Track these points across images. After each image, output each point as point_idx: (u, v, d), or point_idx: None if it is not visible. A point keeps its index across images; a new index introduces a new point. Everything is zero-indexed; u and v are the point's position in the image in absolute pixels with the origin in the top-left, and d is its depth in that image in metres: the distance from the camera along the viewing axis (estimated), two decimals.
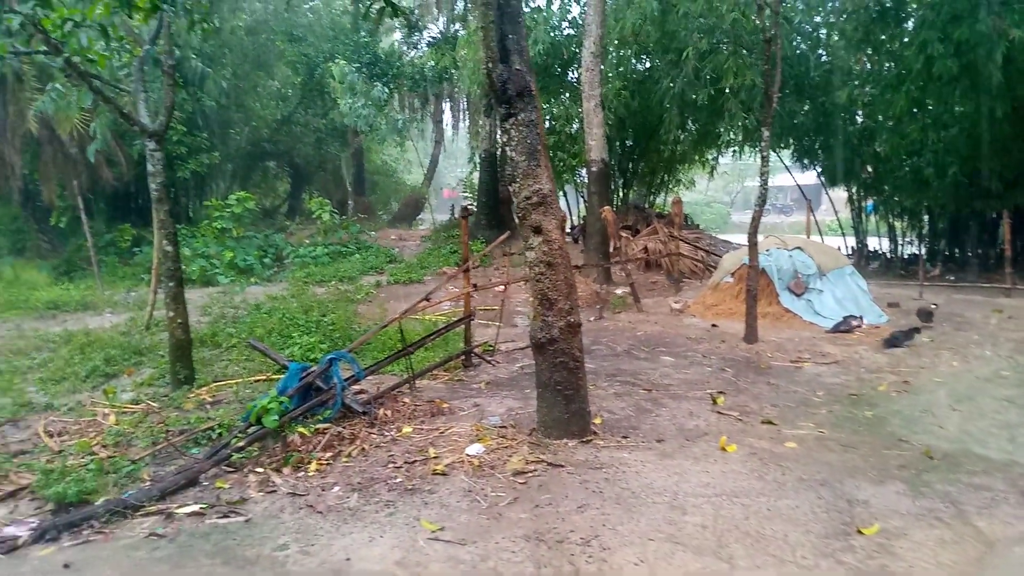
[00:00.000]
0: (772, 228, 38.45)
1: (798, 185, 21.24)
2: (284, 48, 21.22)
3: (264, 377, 7.96)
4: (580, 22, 17.27)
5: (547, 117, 17.80)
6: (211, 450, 5.57)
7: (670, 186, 22.55)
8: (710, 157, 21.31)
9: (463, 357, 8.17)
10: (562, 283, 5.63)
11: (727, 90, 14.53)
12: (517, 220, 5.75)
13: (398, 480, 5.03)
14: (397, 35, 25.93)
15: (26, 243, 18.86)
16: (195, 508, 4.69)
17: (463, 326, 8.25)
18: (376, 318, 11.31)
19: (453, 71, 19.83)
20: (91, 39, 6.24)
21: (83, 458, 5.50)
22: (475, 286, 8.14)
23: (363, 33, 20.38)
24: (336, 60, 17.44)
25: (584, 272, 14.15)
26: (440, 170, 37.32)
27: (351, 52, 19.24)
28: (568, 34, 17.64)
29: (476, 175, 25.42)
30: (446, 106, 29.62)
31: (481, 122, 19.93)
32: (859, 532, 4.21)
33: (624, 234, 16.11)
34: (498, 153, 19.81)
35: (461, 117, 28.98)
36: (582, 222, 20.42)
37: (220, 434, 5.91)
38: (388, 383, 7.36)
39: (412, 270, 17.21)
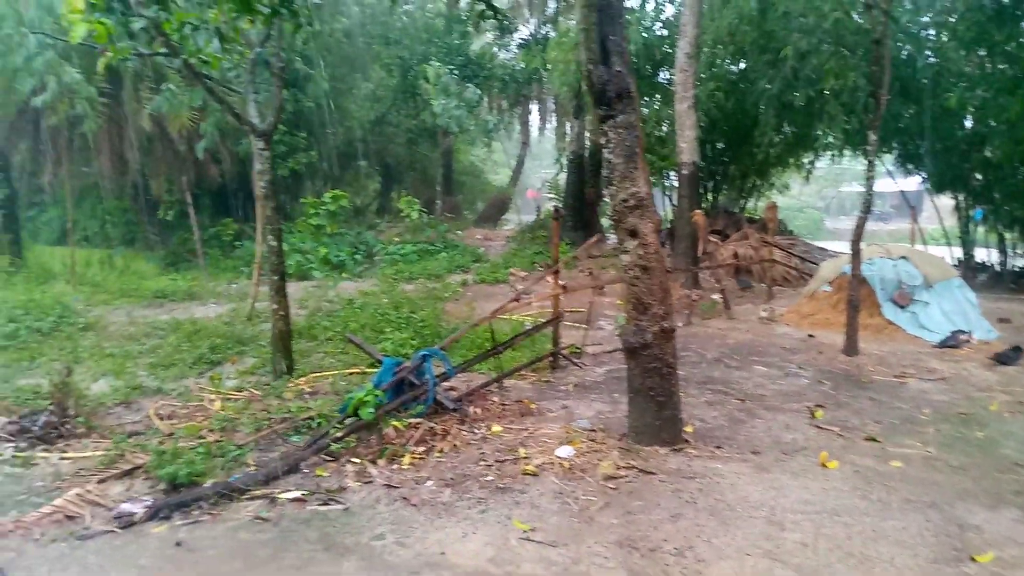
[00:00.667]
0: (871, 236, 36.68)
1: (902, 192, 20.25)
2: (380, 51, 21.77)
3: (358, 370, 8.19)
4: (674, 22, 17.00)
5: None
6: (311, 439, 5.78)
7: (762, 190, 21.90)
8: (806, 161, 20.58)
9: (550, 359, 8.17)
10: (657, 287, 5.56)
11: (827, 92, 13.99)
12: (612, 223, 5.71)
13: (489, 478, 5.08)
14: (488, 37, 26.19)
15: (136, 235, 20.04)
16: (297, 494, 4.87)
17: (551, 328, 8.24)
18: (463, 316, 11.45)
19: (543, 73, 19.86)
20: (207, 41, 6.57)
21: (193, 441, 5.80)
22: (564, 287, 8.13)
23: (456, 35, 20.70)
24: (431, 62, 17.75)
25: (671, 276, 13.91)
26: (525, 171, 37.49)
27: (444, 54, 19.56)
28: (660, 35, 17.39)
29: (562, 177, 25.44)
30: (533, 108, 29.78)
31: (569, 124, 19.87)
32: (972, 559, 3.99)
33: (713, 239, 15.75)
34: (585, 155, 19.71)
35: (548, 119, 29.05)
36: (669, 225, 20.11)
37: (320, 424, 6.11)
38: (476, 381, 7.44)
39: (496, 270, 17.33)
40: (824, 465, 5.38)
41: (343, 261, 18.95)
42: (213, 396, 7.31)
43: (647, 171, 5.67)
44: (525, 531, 4.31)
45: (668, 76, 18.58)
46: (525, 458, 5.38)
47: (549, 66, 19.12)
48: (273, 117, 7.67)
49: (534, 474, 5.11)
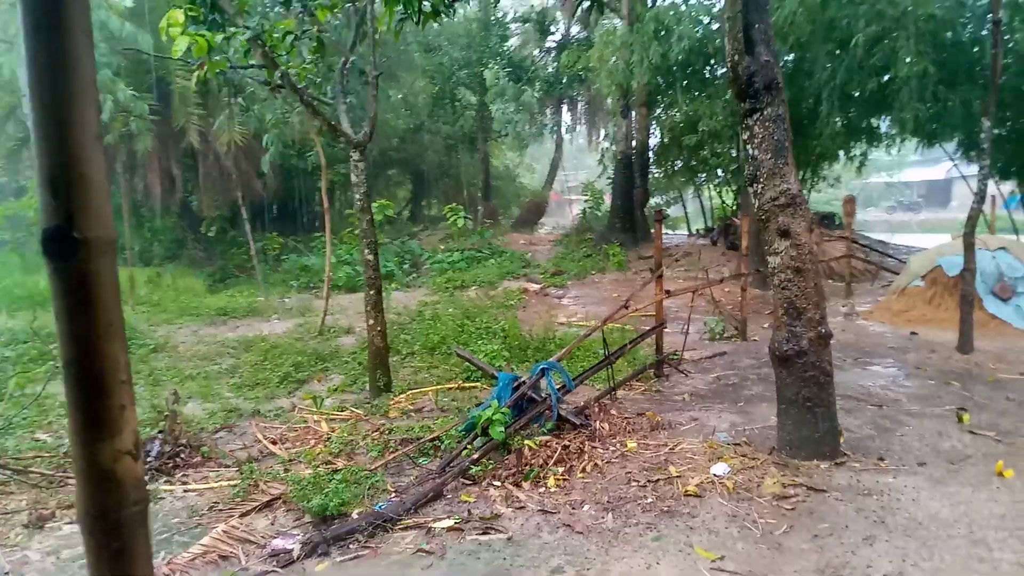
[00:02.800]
0: (899, 226, 36.16)
1: (963, 177, 19.68)
2: (419, 58, 21.55)
3: (456, 385, 7.91)
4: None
5: (688, 114, 17.24)
6: (444, 462, 5.49)
7: (813, 183, 21.43)
8: (858, 152, 20.08)
9: (654, 367, 7.85)
10: (812, 291, 5.22)
11: (897, 79, 13.53)
12: (759, 223, 5.38)
13: (649, 500, 4.77)
14: (516, 39, 25.94)
15: (182, 251, 19.95)
16: (451, 523, 4.58)
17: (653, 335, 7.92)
18: (537, 323, 11.16)
19: (582, 74, 19.54)
20: (311, 50, 6.34)
21: (319, 467, 5.53)
22: (668, 292, 7.81)
23: (495, 39, 20.47)
24: (489, 65, 17.49)
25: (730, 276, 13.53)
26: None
27: (487, 58, 19.33)
28: (714, 28, 16.99)
29: (596, 179, 25.10)
30: (565, 108, 29.47)
31: (617, 124, 19.54)
32: None
33: None
34: (633, 156, 19.37)
35: (585, 120, 28.71)
36: (721, 223, 19.72)
37: (446, 445, 5.82)
38: (584, 393, 7.13)
39: (548, 275, 17.03)
40: (1000, 474, 5.01)
41: (391, 271, 18.75)
42: (316, 417, 7.05)
43: (795, 167, 5.34)
44: (713, 560, 3.99)
45: (721, 71, 18.22)
46: (679, 477, 5.06)
47: (594, 66, 18.78)
48: (368, 127, 7.42)
49: (697, 495, 4.78)
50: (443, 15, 6.00)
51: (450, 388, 7.84)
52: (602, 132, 31.20)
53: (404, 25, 6.47)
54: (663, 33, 16.82)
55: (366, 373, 8.61)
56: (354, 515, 4.71)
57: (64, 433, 6.53)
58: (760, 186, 5.25)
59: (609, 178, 23.63)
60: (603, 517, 4.58)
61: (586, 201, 24.96)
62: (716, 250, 18.66)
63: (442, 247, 20.49)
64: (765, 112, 5.15)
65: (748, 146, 5.34)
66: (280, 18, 6.92)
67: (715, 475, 5.04)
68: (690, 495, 4.78)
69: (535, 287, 15.77)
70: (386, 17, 6.03)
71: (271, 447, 6.25)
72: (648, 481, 5.04)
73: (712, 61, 18.29)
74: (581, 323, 10.98)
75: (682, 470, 5.16)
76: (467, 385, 7.86)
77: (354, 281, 17.36)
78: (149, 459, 5.82)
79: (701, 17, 16.72)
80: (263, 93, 9.99)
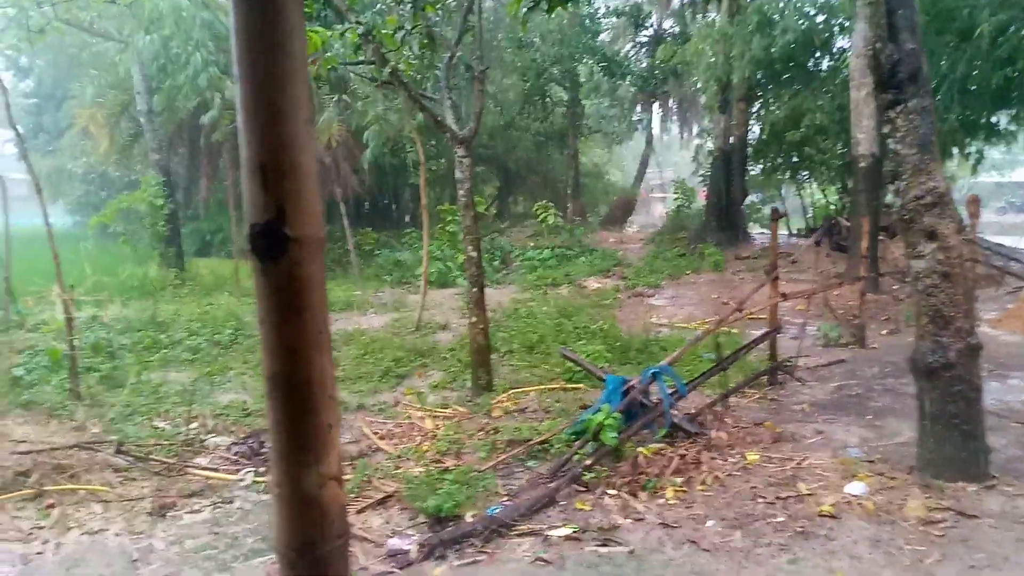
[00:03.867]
0: (1011, 228, 33.74)
1: None
2: (508, 54, 21.51)
3: (559, 386, 7.74)
4: (836, 6, 15.81)
5: (792, 108, 16.51)
6: (554, 466, 5.33)
7: None
8: (974, 149, 18.78)
9: (768, 374, 7.46)
10: (961, 298, 4.79)
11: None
12: (902, 224, 4.98)
13: (780, 519, 4.47)
14: (607, 34, 25.51)
15: None
16: (568, 531, 4.42)
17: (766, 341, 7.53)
18: (635, 324, 10.88)
19: (678, 68, 19.03)
20: (421, 43, 6.29)
21: (428, 465, 5.47)
22: (784, 296, 7.41)
23: (588, 35, 20.20)
24: (584, 60, 17.29)
25: (846, 279, 12.83)
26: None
27: (580, 53, 19.10)
28: (819, 20, 16.23)
29: (687, 176, 24.44)
30: (656, 104, 28.83)
31: (714, 119, 18.93)
32: None
33: (880, 236, 14.52)
34: (731, 152, 18.74)
35: (676, 116, 28.04)
36: (825, 223, 18.82)
37: (555, 448, 5.65)
38: (692, 400, 6.83)
39: (642, 274, 16.63)
40: None
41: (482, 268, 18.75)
42: (420, 413, 7.02)
43: (941, 163, 4.92)
44: None
45: (827, 65, 17.43)
46: (810, 495, 4.73)
47: (691, 60, 18.26)
48: (474, 123, 7.34)
49: (832, 516, 4.45)
50: (571, 2, 5.82)
51: (552, 389, 7.68)
52: (694, 128, 30.44)
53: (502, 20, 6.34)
54: (766, 26, 16.19)
55: (466, 370, 8.58)
56: (468, 517, 4.61)
57: (181, 421, 6.73)
58: (903, 184, 4.85)
59: (702, 175, 22.98)
60: (731, 535, 4.32)
61: (676, 199, 24.32)
62: (819, 251, 17.79)
63: (531, 244, 20.37)
64: (909, 104, 4.75)
65: (889, 140, 4.94)
66: (390, 14, 6.91)
67: (851, 494, 4.69)
68: (825, 515, 4.45)
69: (596, 285, 15.52)
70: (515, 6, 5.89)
71: (379, 442, 6.24)
72: (776, 498, 4.73)
73: (817, 54, 17.52)
74: (681, 325, 10.63)
75: (813, 488, 4.83)
76: (570, 386, 7.68)
77: (445, 277, 17.45)
78: (263, 450, 5.91)
79: (806, 8, 15.97)
80: (365, 90, 10.08)
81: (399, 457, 5.77)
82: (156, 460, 5.66)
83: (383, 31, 6.43)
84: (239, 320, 11.66)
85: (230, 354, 10.07)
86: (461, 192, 7.44)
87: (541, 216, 19.60)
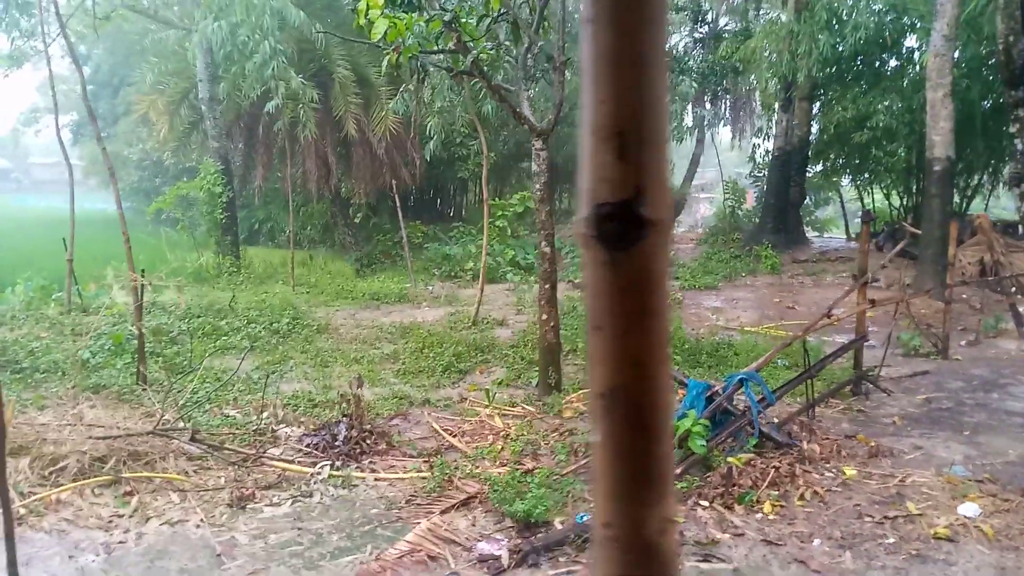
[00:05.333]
0: None
1: None
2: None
3: None
4: (906, 4, 15.24)
5: (859, 108, 15.95)
6: None
7: (988, 188, 19.49)
8: None
9: (852, 384, 7.13)
10: None
11: None
12: None
13: (890, 540, 4.20)
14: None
15: (334, 237, 20.59)
16: None
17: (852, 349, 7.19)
18: (696, 325, 10.60)
19: (743, 65, 18.56)
20: (510, 31, 6.10)
21: (506, 466, 5.29)
22: (872, 302, 7.07)
23: None
24: None
25: (917, 287, 12.35)
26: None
27: None
28: (891, 18, 15.67)
29: (739, 176, 23.89)
30: (709, 102, 28.29)
31: (777, 118, 18.45)
32: None
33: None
34: (791, 152, 18.25)
35: (730, 114, 27.49)
36: (888, 227, 18.24)
37: None
38: (774, 410, 6.54)
39: (697, 275, 16.28)
40: None
41: (531, 263, 18.58)
42: (488, 411, 6.85)
43: None
44: None
45: (897, 64, 16.85)
46: (920, 515, 4.44)
47: (752, 57, 17.79)
48: (553, 115, 7.14)
49: (948, 538, 4.16)
50: None
51: None
52: (747, 127, 29.84)
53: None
54: (835, 23, 15.70)
55: (530, 368, 8.39)
56: (557, 524, 4.43)
57: (251, 410, 6.65)
58: None
59: (755, 176, 22.46)
60: (840, 555, 4.06)
61: (726, 199, 23.83)
62: (882, 256, 17.25)
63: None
64: None
65: (1017, 140, 4.62)
66: (474, 3, 6.74)
67: (964, 516, 4.39)
68: (940, 538, 4.17)
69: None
70: None
71: (450, 439, 6.09)
72: (884, 517, 4.45)
73: (886, 53, 16.94)
74: (749, 328, 10.30)
75: (922, 507, 4.54)
76: None
77: (495, 272, 17.29)
78: (337, 443, 5.79)
79: (876, 6, 15.42)
80: (431, 80, 9.91)
81: (475, 456, 5.59)
82: (231, 449, 5.58)
83: (466, 20, 6.26)
84: (295, 309, 11.65)
85: (288, 343, 10.02)
86: (537, 186, 7.25)
87: None
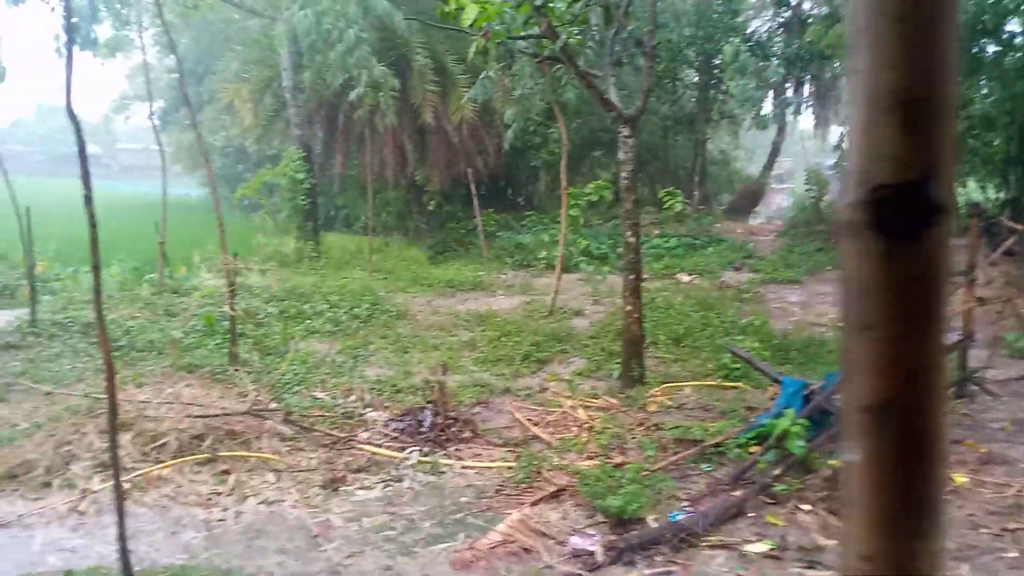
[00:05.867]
0: None
1: None
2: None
3: (714, 382, 7.31)
4: None
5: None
6: (735, 472, 4.95)
7: None
8: None
9: (956, 386, 6.75)
10: None
11: None
12: None
13: (1012, 555, 3.96)
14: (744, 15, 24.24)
15: (407, 224, 20.83)
16: (765, 548, 4.05)
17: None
18: (782, 319, 10.24)
19: (830, 50, 17.80)
20: (602, 17, 5.97)
21: (594, 459, 5.21)
22: (981, 300, 6.67)
23: (728, 15, 19.27)
24: (729, 39, 16.51)
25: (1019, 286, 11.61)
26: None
27: (720, 34, 18.26)
28: (992, 1, 14.71)
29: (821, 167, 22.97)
30: (791, 89, 27.30)
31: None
32: None
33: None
34: None
35: (814, 101, 26.45)
36: (984, 219, 17.25)
37: (738, 454, 5.25)
38: None
39: (778, 268, 15.76)
40: None
41: (605, 253, 18.38)
42: (570, 402, 6.77)
43: None
44: None
45: (995, 50, 15.86)
46: None
47: (841, 42, 17.04)
48: (641, 101, 6.98)
49: None
50: None
51: (708, 385, 7.25)
52: (831, 115, 28.69)
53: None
54: None
55: (610, 359, 8.27)
56: (650, 521, 4.32)
57: (338, 393, 6.75)
58: None
59: (841, 165, 21.57)
60: (956, 568, 3.83)
61: (808, 189, 23.01)
62: (977, 252, 16.36)
63: (655, 231, 19.76)
64: None
65: None
66: None
67: None
68: None
69: (687, 279, 14.80)
70: None
71: (534, 429, 6.03)
72: (1003, 530, 4.19)
73: (986, 38, 15.95)
74: (837, 325, 9.88)
75: None
76: (727, 384, 7.23)
77: (568, 261, 17.10)
78: (423, 429, 5.82)
79: None
80: (516, 66, 9.81)
81: (561, 448, 5.52)
82: (321, 431, 5.66)
83: (555, 4, 6.16)
84: (374, 295, 11.80)
85: (368, 328, 10.15)
86: (623, 174, 7.09)
87: (668, 203, 18.93)
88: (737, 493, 4.67)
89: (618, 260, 18.12)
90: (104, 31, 11.81)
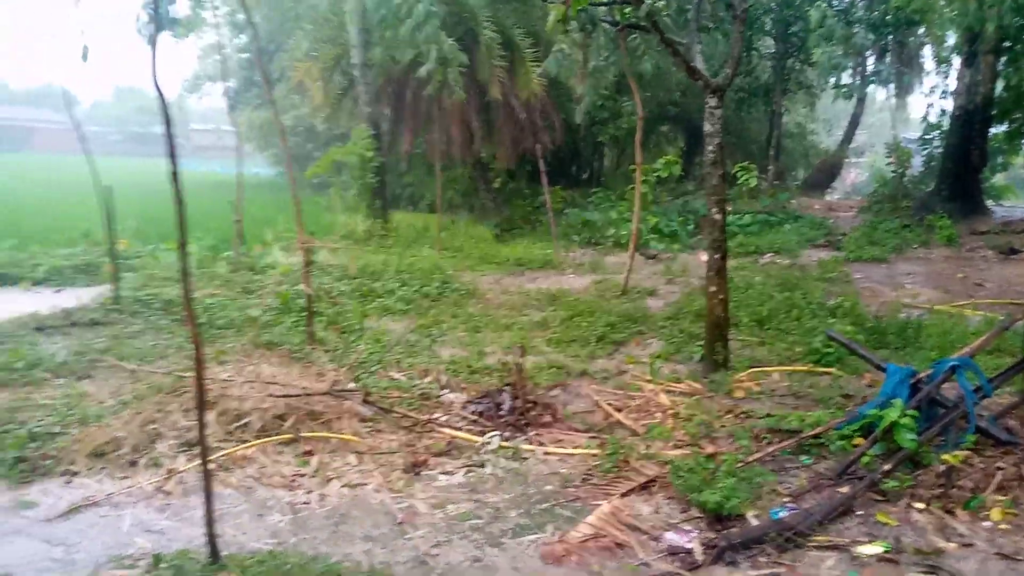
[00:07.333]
0: None
1: None
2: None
3: (806, 368, 6.93)
4: None
5: None
6: (840, 466, 4.63)
7: None
8: None
9: None
10: None
11: None
12: None
13: None
14: None
15: (473, 202, 20.73)
16: (879, 550, 3.75)
17: None
18: (871, 300, 9.72)
19: (919, 16, 16.76)
20: None
21: (683, 448, 4.96)
22: None
23: None
24: (816, 3, 15.68)
25: None
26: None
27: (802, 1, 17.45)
28: None
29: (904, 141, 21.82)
30: (873, 58, 25.98)
31: (957, 73, 16.62)
32: None
33: None
34: (972, 112, 16.41)
35: (896, 70, 25.12)
36: None
37: (840, 446, 4.93)
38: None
39: (862, 246, 15.02)
40: None
41: (674, 231, 17.92)
42: (653, 387, 6.51)
43: None
44: None
45: None
46: None
47: (930, 7, 15.99)
48: (730, 70, 6.59)
49: None
50: None
51: (799, 370, 6.89)
52: (914, 85, 27.26)
53: None
54: None
55: (689, 341, 7.97)
56: (751, 518, 4.06)
57: (415, 374, 6.67)
58: None
59: (925, 138, 20.44)
60: None
61: (889, 164, 21.90)
62: None
63: (728, 207, 19.14)
64: None
65: None
66: None
67: None
68: None
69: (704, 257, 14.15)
70: None
71: (616, 415, 5.81)
72: None
73: None
74: (936, 307, 9.29)
75: None
76: (819, 370, 6.85)
77: (638, 239, 16.77)
78: (502, 412, 5.67)
79: None
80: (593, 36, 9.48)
81: (648, 436, 5.28)
82: (401, 413, 5.57)
83: None
84: (444, 273, 11.72)
85: (439, 307, 10.06)
86: (710, 147, 6.74)
87: (742, 178, 18.27)
88: (843, 489, 4.36)
89: (689, 238, 17.70)
90: (180, 10, 12.00)
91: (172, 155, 3.23)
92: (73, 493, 4.40)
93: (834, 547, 3.79)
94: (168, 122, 3.25)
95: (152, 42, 3.51)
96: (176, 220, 3.35)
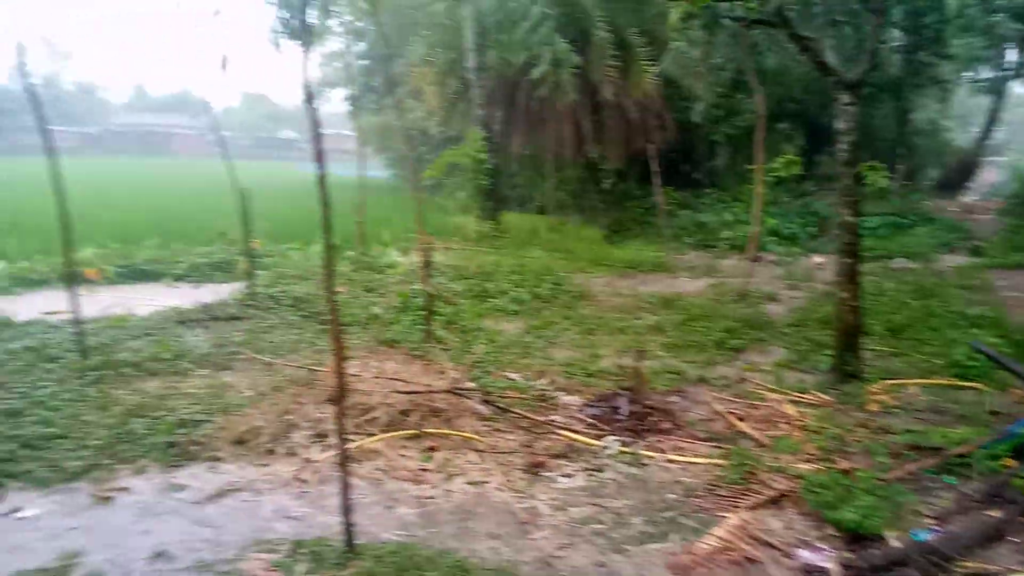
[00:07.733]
0: None
1: None
2: None
3: (947, 382, 6.50)
4: None
5: None
6: (988, 488, 4.32)
7: None
8: None
9: None
10: None
11: None
12: None
13: None
14: None
15: (583, 203, 20.64)
16: None
17: None
18: (1016, 313, 8.98)
19: None
20: None
21: (816, 463, 4.75)
22: None
23: None
24: None
25: None
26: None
27: None
28: None
29: None
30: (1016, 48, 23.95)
31: None
32: None
33: None
34: None
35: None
36: None
37: (989, 467, 4.59)
38: None
39: (1006, 252, 13.93)
40: None
41: (794, 233, 17.23)
42: (777, 397, 6.28)
43: None
44: None
45: None
46: None
47: None
48: (866, 65, 6.26)
49: None
50: None
51: (939, 384, 6.46)
52: None
53: None
54: None
55: (816, 350, 7.64)
56: (890, 539, 3.85)
57: (531, 375, 6.72)
58: None
59: None
60: None
61: None
62: None
63: None
64: None
65: None
66: None
67: None
68: None
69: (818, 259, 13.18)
70: None
71: (739, 424, 5.64)
72: None
73: None
74: None
75: None
76: (962, 383, 6.40)
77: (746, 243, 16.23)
78: (619, 417, 5.63)
79: None
80: (697, 34, 9.27)
81: (775, 448, 5.09)
82: (519, 414, 5.63)
83: None
84: (555, 275, 11.75)
85: (552, 308, 10.08)
86: (843, 146, 6.42)
87: (870, 178, 17.28)
88: (993, 513, 4.06)
89: (809, 241, 16.95)
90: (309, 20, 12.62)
91: (320, 159, 3.40)
92: (218, 478, 4.70)
93: (984, 574, 3.54)
94: (317, 129, 3.42)
95: (304, 52, 3.72)
96: (322, 222, 3.52)
